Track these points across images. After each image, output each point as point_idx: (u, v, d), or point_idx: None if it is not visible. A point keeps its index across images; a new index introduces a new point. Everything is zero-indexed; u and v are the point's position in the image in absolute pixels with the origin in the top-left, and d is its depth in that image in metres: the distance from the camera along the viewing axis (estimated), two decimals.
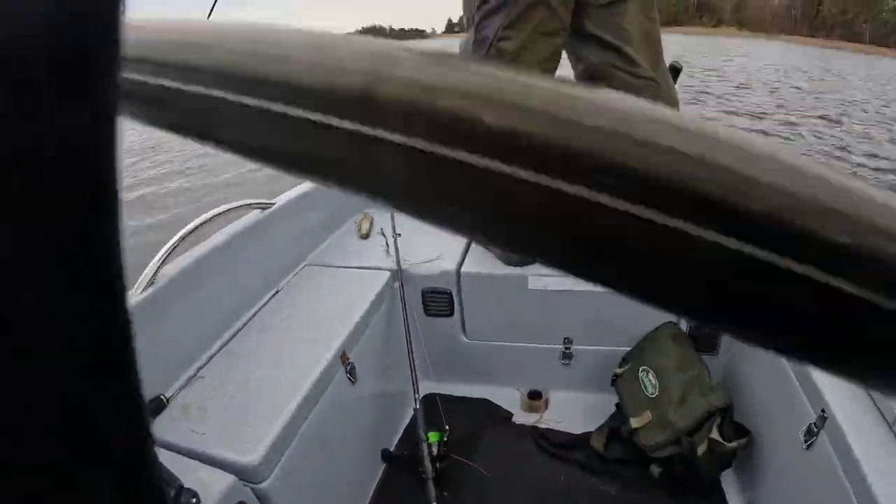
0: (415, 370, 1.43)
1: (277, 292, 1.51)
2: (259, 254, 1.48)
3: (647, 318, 1.51)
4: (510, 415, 1.63)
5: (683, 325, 1.50)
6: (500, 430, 1.58)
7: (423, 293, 1.60)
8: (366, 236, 1.80)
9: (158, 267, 1.18)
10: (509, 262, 1.51)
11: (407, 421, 1.62)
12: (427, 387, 1.70)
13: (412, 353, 1.46)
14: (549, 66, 1.33)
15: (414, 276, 1.57)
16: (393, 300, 1.56)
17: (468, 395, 1.70)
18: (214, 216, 1.39)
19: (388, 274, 1.55)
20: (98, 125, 0.11)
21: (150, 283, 1.16)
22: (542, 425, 1.58)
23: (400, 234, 1.67)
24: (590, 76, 1.39)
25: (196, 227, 1.32)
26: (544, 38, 1.28)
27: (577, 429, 1.55)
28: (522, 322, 1.59)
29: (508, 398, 1.68)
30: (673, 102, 1.42)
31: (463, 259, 1.59)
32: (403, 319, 1.51)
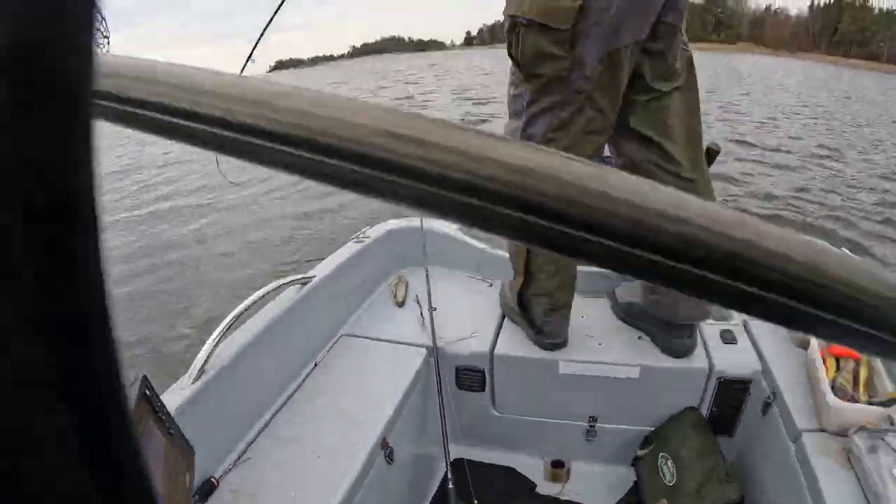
0: (447, 441, 1.50)
1: (316, 365, 1.59)
2: (298, 328, 1.56)
3: (670, 401, 1.59)
4: (534, 485, 1.72)
5: (704, 409, 1.58)
6: (524, 500, 1.67)
7: (457, 370, 1.68)
8: (401, 304, 1.88)
9: (207, 356, 1.27)
10: (541, 346, 1.59)
11: (436, 487, 1.70)
12: (456, 451, 1.76)
13: (445, 426, 1.53)
14: None
15: (448, 354, 1.66)
16: (428, 376, 1.64)
17: (495, 461, 1.78)
18: (257, 299, 1.48)
19: (424, 351, 1.63)
20: (68, 141, 0.11)
21: (201, 372, 1.25)
22: (564, 497, 1.67)
23: (435, 308, 1.76)
24: (633, 171, 1.44)
25: (241, 313, 1.41)
26: (590, 137, 1.31)
27: (597, 502, 1.64)
28: (550, 400, 1.67)
29: (533, 468, 1.76)
30: (709, 199, 1.48)
31: (496, 339, 1.67)
32: (438, 395, 1.59)
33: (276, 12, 1.66)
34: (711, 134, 9.56)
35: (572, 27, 1.13)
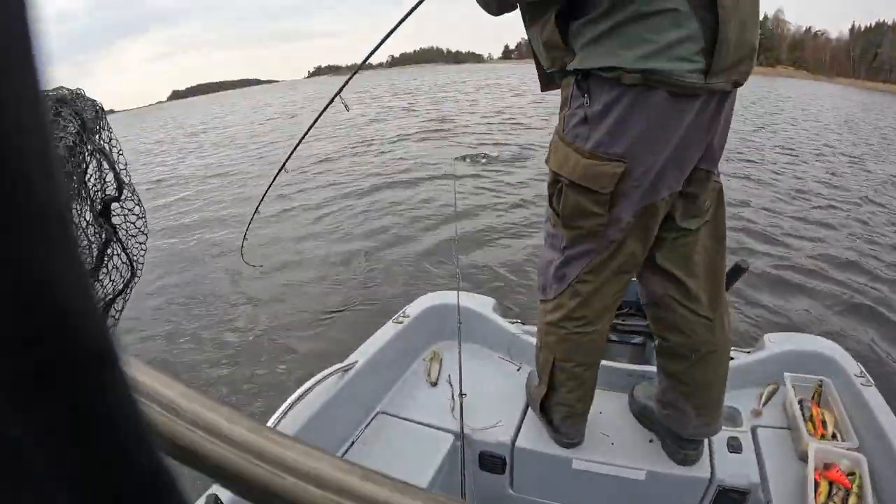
0: None
1: (353, 443, 1.76)
2: (339, 410, 1.73)
3: (682, 497, 1.70)
4: None
5: None
6: None
7: (481, 454, 1.83)
8: (434, 383, 2.04)
9: None
10: (558, 443, 1.73)
11: None
12: None
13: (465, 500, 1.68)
14: (619, 298, 1.46)
15: (474, 440, 1.80)
16: (454, 457, 1.78)
17: None
18: (304, 392, 1.65)
19: (451, 437, 1.78)
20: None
21: None
22: None
23: (465, 395, 1.90)
24: (653, 304, 1.51)
25: (290, 406, 1.58)
26: (620, 276, 1.39)
27: None
28: (564, 488, 1.80)
29: None
30: (725, 343, 1.52)
31: (518, 429, 1.81)
32: (461, 475, 1.72)
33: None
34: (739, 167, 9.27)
35: (613, 190, 1.20)
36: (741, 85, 1.17)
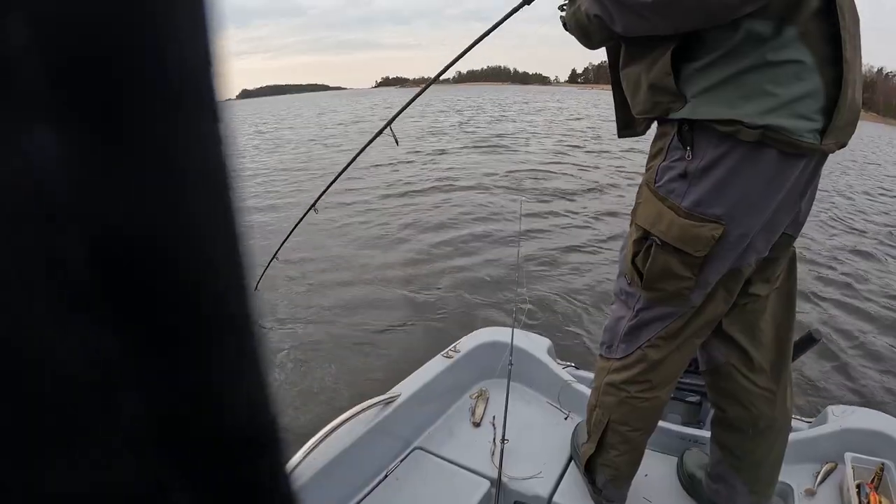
0: None
1: (387, 476, 1.70)
2: (376, 442, 1.68)
3: None
4: None
5: None
6: None
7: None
8: (477, 424, 1.96)
9: (294, 468, 1.41)
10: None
11: None
12: None
13: None
14: (686, 364, 1.38)
15: (510, 489, 1.71)
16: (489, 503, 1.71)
17: None
18: (342, 422, 1.61)
19: (488, 484, 1.70)
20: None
21: None
22: None
23: (508, 440, 1.80)
24: (712, 371, 1.44)
25: (328, 434, 1.54)
26: (693, 342, 1.32)
27: None
28: None
29: None
30: (785, 418, 1.43)
31: (558, 484, 1.71)
32: None
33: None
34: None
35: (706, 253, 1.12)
36: (844, 147, 1.08)
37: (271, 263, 2.36)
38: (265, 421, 0.19)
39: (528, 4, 1.40)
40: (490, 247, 6.35)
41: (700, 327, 1.27)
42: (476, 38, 1.71)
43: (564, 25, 1.29)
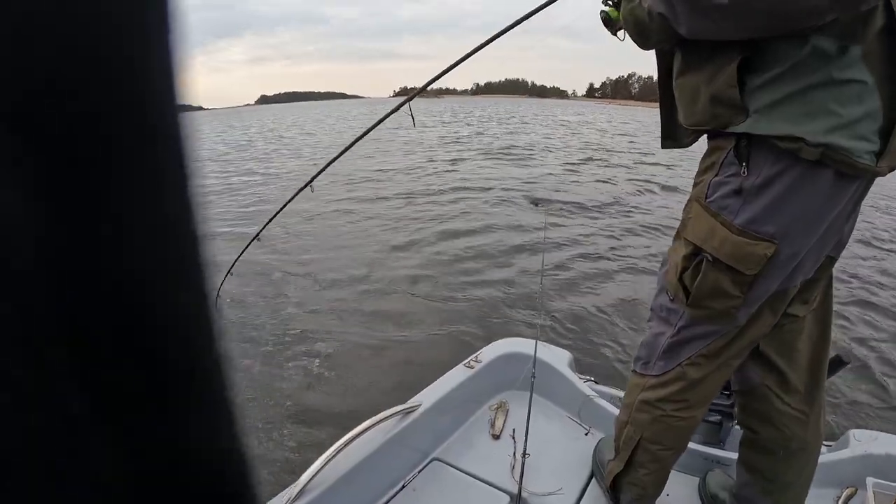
0: None
1: (403, 487, 1.68)
2: (394, 452, 1.66)
3: None
4: None
5: None
6: None
7: None
8: (497, 436, 1.92)
9: (307, 481, 1.40)
10: None
11: None
12: None
13: None
14: (723, 384, 1.35)
15: None
16: None
17: None
18: (362, 431, 1.60)
19: (507, 499, 1.66)
20: None
21: (302, 490, 1.38)
22: None
23: (529, 455, 1.76)
24: (746, 392, 1.41)
25: (347, 442, 1.53)
26: (733, 362, 1.29)
27: None
28: None
29: None
30: (816, 440, 1.40)
31: (578, 502, 1.67)
32: None
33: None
34: None
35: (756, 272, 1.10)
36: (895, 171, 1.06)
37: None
38: (239, 477, 0.18)
39: (549, 5, 1.37)
40: (512, 256, 6.33)
41: (742, 347, 1.25)
42: (491, 35, 1.69)
43: (606, 21, 1.27)
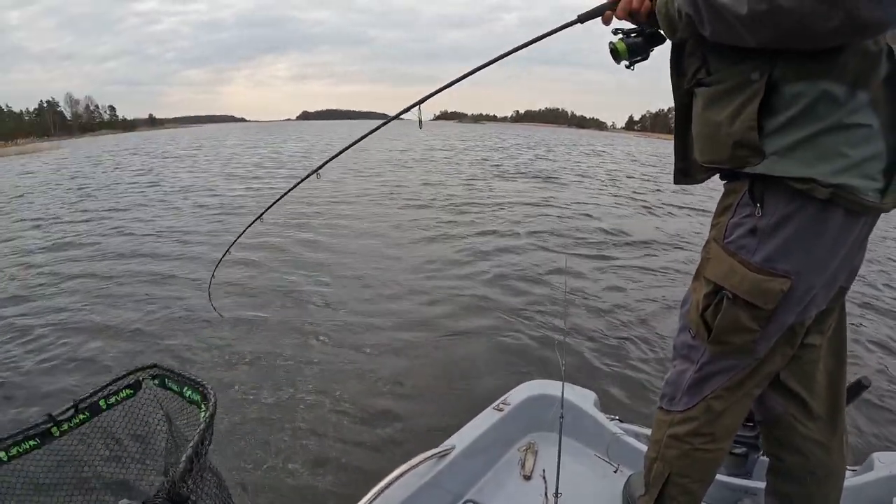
0: None
1: None
2: (429, 494, 1.68)
3: None
4: None
5: None
6: None
7: None
8: (528, 477, 1.94)
9: None
10: None
11: None
12: None
13: None
14: (745, 415, 1.39)
15: None
16: None
17: None
18: (400, 475, 1.62)
19: None
20: None
21: None
22: None
23: (561, 494, 1.76)
24: (771, 422, 1.44)
25: (384, 488, 1.55)
26: (753, 394, 1.34)
27: None
28: None
29: None
30: (842, 465, 1.45)
31: None
32: None
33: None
34: None
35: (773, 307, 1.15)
36: None
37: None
38: None
39: (582, 23, 1.37)
40: (534, 288, 6.36)
41: (762, 378, 1.31)
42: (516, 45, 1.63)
43: (613, 53, 1.31)
